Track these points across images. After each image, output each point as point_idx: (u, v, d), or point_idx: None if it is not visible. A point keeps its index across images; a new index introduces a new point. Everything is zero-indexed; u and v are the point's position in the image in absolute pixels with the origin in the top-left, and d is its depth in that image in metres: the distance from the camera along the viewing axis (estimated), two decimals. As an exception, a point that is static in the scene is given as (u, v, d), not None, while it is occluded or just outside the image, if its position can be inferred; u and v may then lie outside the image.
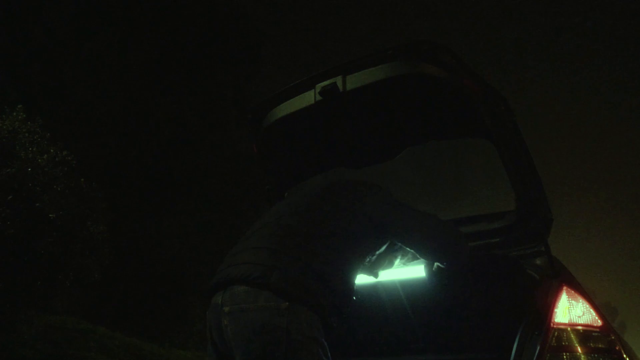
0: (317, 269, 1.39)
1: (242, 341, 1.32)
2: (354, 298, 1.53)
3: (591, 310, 1.61)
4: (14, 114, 6.06)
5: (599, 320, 1.59)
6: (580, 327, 1.57)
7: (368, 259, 1.67)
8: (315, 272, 1.39)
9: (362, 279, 1.88)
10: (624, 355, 1.55)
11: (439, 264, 1.70)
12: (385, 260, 1.80)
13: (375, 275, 1.86)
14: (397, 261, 1.84)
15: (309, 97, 1.93)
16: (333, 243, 1.47)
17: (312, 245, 1.43)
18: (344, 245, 1.49)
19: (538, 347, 1.53)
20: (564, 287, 1.68)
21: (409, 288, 2.18)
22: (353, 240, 1.52)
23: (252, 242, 1.50)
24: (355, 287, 1.54)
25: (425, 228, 1.59)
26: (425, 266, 1.79)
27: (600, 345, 1.55)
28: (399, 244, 1.66)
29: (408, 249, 1.67)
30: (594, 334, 1.56)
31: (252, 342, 1.31)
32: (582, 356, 1.51)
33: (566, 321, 1.59)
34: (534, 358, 1.51)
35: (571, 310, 1.62)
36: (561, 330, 1.56)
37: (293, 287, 1.34)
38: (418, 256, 1.71)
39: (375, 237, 1.60)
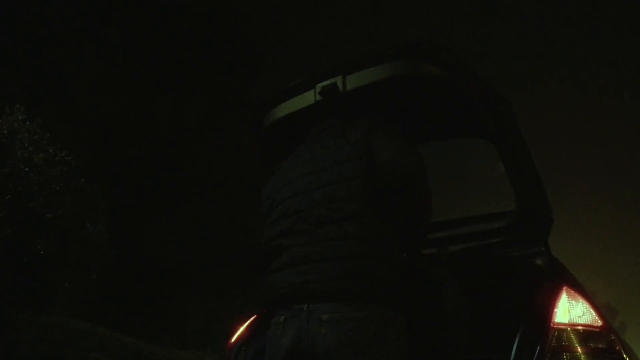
0: (393, 257, 1.36)
1: (350, 351, 1.26)
2: None
3: (591, 310, 1.61)
4: (13, 114, 6.06)
5: (599, 321, 1.59)
6: (580, 327, 1.57)
7: None
8: (396, 264, 1.35)
9: None
10: (624, 356, 1.55)
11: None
12: None
13: None
14: None
15: (309, 97, 1.93)
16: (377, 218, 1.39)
17: (378, 229, 1.37)
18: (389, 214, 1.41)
19: (538, 347, 1.53)
20: (564, 287, 1.68)
21: None
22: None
23: (317, 249, 1.38)
24: None
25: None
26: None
27: (600, 346, 1.55)
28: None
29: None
30: (594, 334, 1.56)
31: (362, 352, 1.26)
32: (582, 356, 1.51)
33: (566, 321, 1.59)
34: (534, 358, 1.51)
35: (571, 311, 1.61)
36: (561, 331, 1.56)
37: (391, 294, 1.31)
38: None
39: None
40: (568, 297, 1.65)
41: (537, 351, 1.52)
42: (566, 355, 1.52)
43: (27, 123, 6.11)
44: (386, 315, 1.29)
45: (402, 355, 1.32)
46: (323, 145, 1.60)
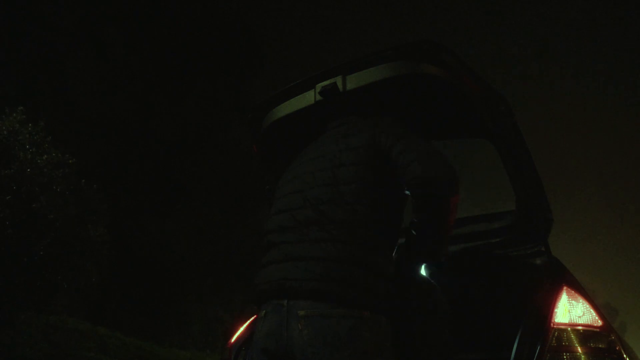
0: (377, 265, 1.37)
1: (325, 347, 1.27)
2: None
3: (591, 310, 1.61)
4: (14, 115, 6.04)
5: (599, 321, 1.59)
6: (580, 327, 1.57)
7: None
8: (380, 273, 1.36)
9: None
10: (624, 356, 1.55)
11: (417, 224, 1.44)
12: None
13: None
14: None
15: (309, 97, 1.93)
16: (374, 223, 1.39)
17: (362, 235, 1.37)
18: (380, 217, 1.41)
19: (538, 347, 1.53)
20: (564, 287, 1.68)
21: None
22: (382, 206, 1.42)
23: (301, 248, 1.40)
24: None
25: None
26: (424, 267, 1.79)
27: (600, 346, 1.55)
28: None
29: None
30: (594, 334, 1.56)
31: (338, 350, 1.27)
32: (582, 356, 1.51)
33: (566, 321, 1.58)
34: (534, 358, 1.51)
35: (571, 311, 1.61)
36: (561, 331, 1.56)
37: (370, 300, 1.32)
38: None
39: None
40: (568, 297, 1.64)
41: (537, 351, 1.52)
42: (566, 355, 1.51)
43: (29, 125, 6.10)
44: (363, 315, 1.30)
45: (383, 355, 1.32)
46: (327, 145, 1.61)
